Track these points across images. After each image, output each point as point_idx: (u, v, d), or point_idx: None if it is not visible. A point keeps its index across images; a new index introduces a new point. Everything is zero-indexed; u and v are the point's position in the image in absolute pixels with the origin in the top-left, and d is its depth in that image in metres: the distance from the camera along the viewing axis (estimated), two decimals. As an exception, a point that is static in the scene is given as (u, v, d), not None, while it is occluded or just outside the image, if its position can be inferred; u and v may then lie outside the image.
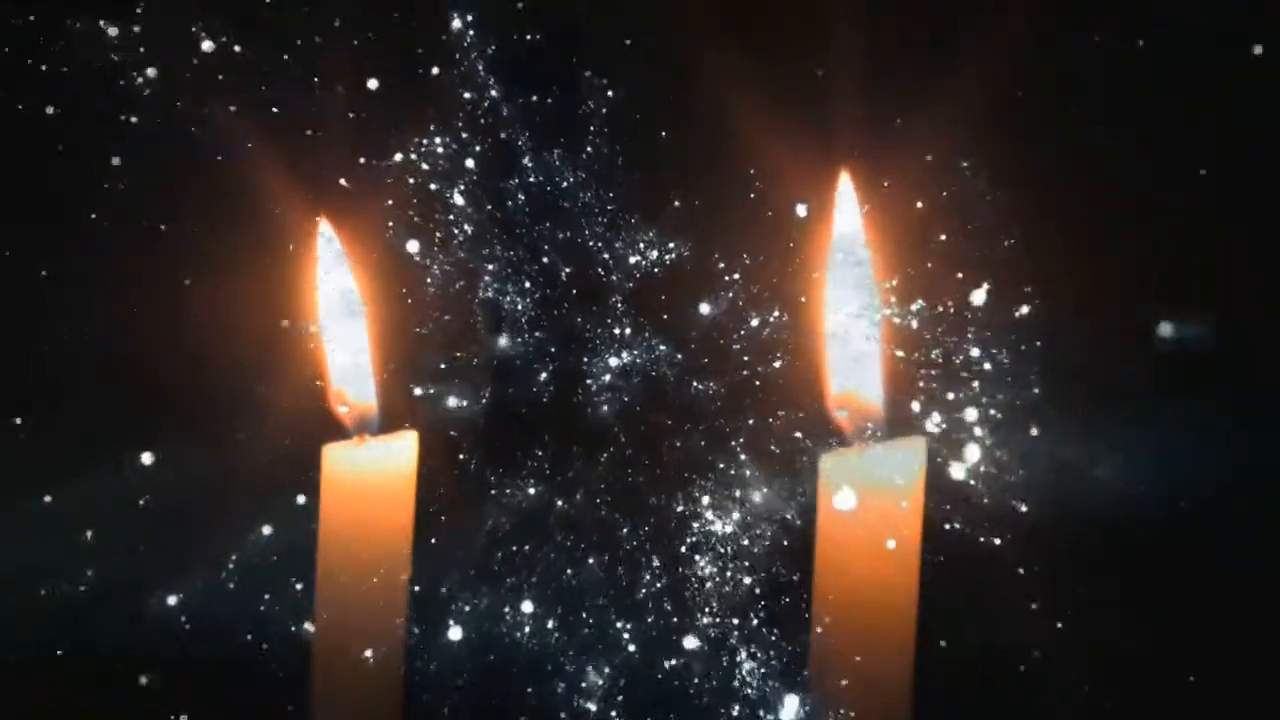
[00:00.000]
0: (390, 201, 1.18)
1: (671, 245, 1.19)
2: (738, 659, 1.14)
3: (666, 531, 1.17)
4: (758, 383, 1.16)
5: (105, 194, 1.18)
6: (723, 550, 1.15)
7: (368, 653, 1.08)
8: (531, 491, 1.19)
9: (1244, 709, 1.11)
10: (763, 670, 1.13)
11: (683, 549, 1.16)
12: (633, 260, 1.19)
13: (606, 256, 1.19)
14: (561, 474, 1.19)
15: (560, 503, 1.18)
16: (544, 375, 1.20)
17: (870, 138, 1.12)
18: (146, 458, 1.16)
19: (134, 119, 1.18)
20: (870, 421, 1.03)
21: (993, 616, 1.13)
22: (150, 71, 1.18)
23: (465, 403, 1.19)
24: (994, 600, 1.12)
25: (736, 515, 1.16)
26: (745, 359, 1.17)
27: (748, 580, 1.15)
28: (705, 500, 1.16)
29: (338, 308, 1.11)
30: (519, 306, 1.20)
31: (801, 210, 1.13)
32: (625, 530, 1.18)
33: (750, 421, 1.16)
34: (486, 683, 1.16)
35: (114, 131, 1.18)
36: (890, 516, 1.00)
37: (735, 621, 1.14)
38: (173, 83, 1.18)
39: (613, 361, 1.19)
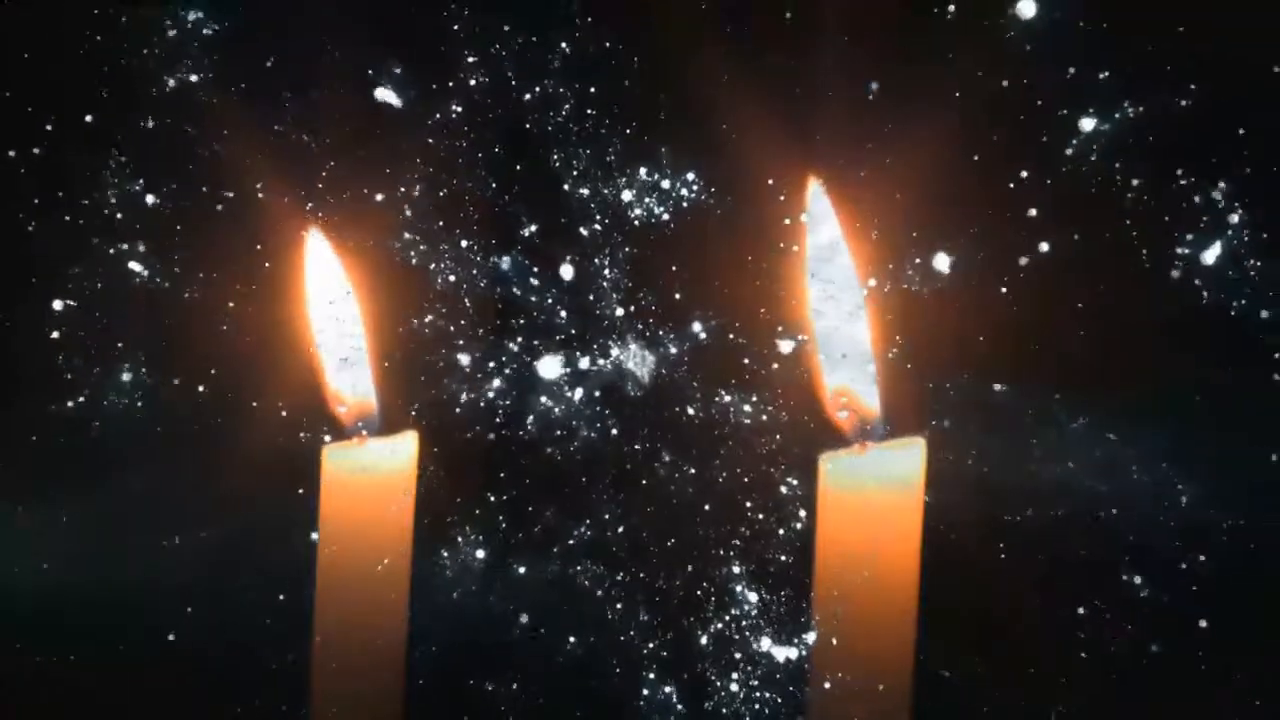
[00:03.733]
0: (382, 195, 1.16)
1: (691, 178, 1.03)
2: (737, 658, 1.14)
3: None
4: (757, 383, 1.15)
5: (100, 192, 1.18)
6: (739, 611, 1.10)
7: (368, 653, 1.08)
8: (480, 555, 1.12)
9: (1246, 707, 1.11)
10: (762, 670, 1.13)
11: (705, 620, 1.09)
12: (627, 200, 1.06)
13: (585, 193, 1.05)
14: (522, 530, 1.14)
15: (521, 569, 1.11)
16: (497, 382, 1.12)
17: (855, 134, 1.12)
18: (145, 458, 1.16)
19: (126, 114, 1.18)
20: (870, 421, 1.03)
21: (993, 616, 1.13)
22: (142, 67, 1.17)
23: (465, 401, 1.19)
24: (995, 600, 1.12)
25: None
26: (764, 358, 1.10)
27: (746, 580, 1.14)
28: (735, 570, 1.08)
29: (335, 307, 1.11)
30: (452, 278, 1.05)
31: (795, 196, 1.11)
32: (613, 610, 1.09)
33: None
34: (486, 683, 1.16)
35: (106, 127, 1.17)
36: (890, 516, 1.01)
37: (734, 622, 1.14)
38: (164, 77, 1.17)
39: (580, 363, 1.11)
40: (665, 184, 1.08)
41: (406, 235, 1.14)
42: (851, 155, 1.09)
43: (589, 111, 1.07)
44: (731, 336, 1.15)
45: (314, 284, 1.11)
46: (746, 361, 1.15)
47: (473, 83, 1.07)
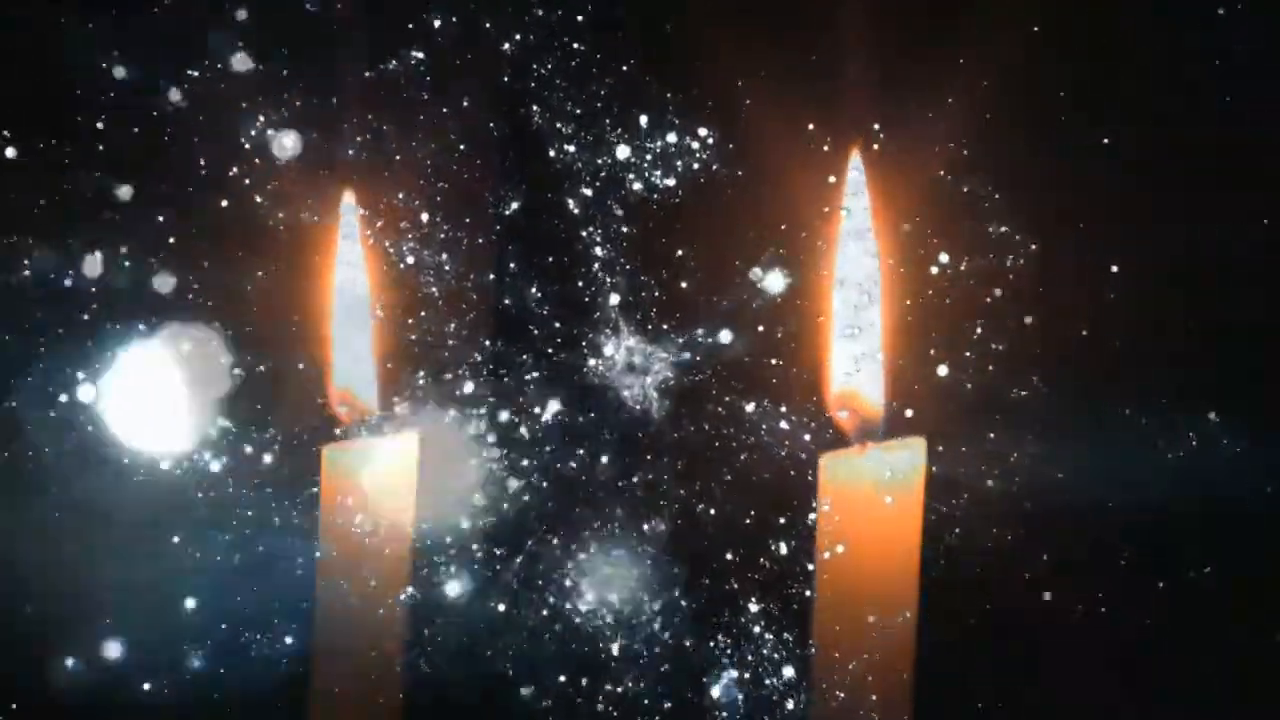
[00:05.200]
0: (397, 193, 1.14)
1: (704, 133, 0.90)
2: (738, 659, 1.14)
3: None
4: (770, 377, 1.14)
5: (109, 189, 1.18)
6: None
7: (367, 653, 1.08)
8: (456, 587, 1.10)
9: (1244, 704, 1.12)
10: (763, 671, 1.13)
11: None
12: (622, 160, 0.94)
13: (572, 150, 0.93)
14: (497, 565, 1.11)
15: (503, 605, 1.08)
16: (470, 387, 1.05)
17: (882, 130, 1.11)
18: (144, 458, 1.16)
19: (145, 109, 1.18)
20: (870, 421, 1.03)
21: (994, 616, 1.13)
22: (163, 62, 1.17)
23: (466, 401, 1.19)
24: (995, 600, 1.13)
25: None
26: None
27: (746, 580, 1.14)
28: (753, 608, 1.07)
29: (341, 308, 1.11)
30: (416, 259, 0.95)
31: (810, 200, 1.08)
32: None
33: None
34: (486, 682, 1.16)
35: (123, 122, 1.17)
36: (890, 516, 1.01)
37: (735, 622, 1.14)
38: (186, 74, 1.17)
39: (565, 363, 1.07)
40: (671, 137, 0.97)
41: (364, 211, 1.05)
42: (896, 108, 1.05)
43: (576, 47, 0.96)
44: (760, 330, 1.12)
45: (319, 283, 1.11)
46: (774, 363, 1.13)
47: (437, 24, 0.97)
